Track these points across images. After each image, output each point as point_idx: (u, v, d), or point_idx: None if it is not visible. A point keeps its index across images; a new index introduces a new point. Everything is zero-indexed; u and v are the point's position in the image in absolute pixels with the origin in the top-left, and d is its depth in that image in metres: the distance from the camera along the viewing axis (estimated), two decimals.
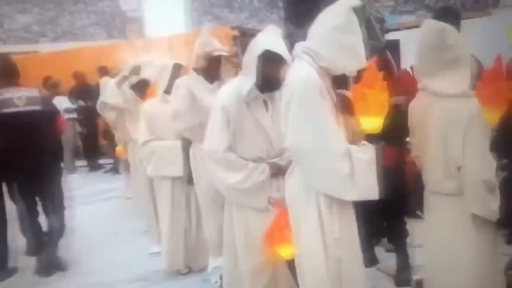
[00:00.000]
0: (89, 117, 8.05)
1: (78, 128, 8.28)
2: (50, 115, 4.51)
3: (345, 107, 2.51)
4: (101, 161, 9.25)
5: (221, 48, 3.72)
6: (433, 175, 2.64)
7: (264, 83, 2.82)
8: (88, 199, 7.14)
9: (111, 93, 5.39)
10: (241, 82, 2.87)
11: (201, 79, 3.72)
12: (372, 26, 3.76)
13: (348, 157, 2.29)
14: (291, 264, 2.90)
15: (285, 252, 2.86)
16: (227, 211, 3.08)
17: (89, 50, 10.91)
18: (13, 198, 4.63)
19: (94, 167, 9.07)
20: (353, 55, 2.32)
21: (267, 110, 2.93)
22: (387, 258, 3.97)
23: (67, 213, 4.69)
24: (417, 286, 3.54)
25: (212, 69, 3.70)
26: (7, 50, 28.56)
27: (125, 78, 4.97)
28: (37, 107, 4.35)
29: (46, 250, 4.55)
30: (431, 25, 2.58)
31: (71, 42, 32.02)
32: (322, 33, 2.36)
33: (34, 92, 4.43)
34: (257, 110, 2.90)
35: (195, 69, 3.77)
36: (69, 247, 4.77)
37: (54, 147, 4.57)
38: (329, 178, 2.33)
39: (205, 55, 3.65)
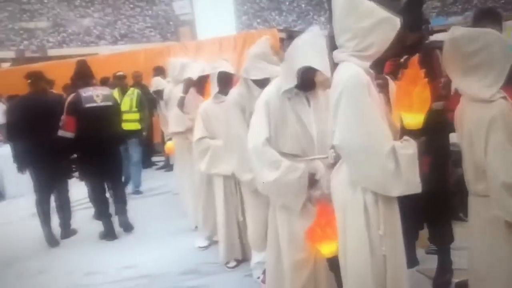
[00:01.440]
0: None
1: None
2: (117, 110, 5.61)
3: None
4: (154, 159, 9.39)
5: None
6: (468, 177, 2.60)
7: (302, 86, 2.84)
8: (140, 195, 7.31)
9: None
10: (281, 82, 2.87)
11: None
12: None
13: (393, 153, 2.30)
14: (331, 262, 2.89)
15: (325, 249, 2.84)
16: (272, 207, 3.09)
17: (144, 52, 11.14)
18: (83, 175, 5.52)
19: (147, 164, 9.14)
20: (387, 22, 2.32)
21: (309, 106, 2.91)
22: (428, 260, 3.86)
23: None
24: None
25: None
26: (70, 53, 29.51)
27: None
28: (109, 103, 5.34)
29: (116, 216, 5.63)
30: (452, 31, 2.54)
31: (128, 44, 32.88)
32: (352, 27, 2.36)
33: (107, 91, 5.50)
34: (299, 105, 2.89)
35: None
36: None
37: (120, 135, 5.68)
38: (376, 174, 2.33)
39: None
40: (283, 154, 2.88)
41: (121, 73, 7.40)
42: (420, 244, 3.96)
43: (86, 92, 5.18)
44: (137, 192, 7.33)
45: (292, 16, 39.07)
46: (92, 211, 6.00)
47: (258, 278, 3.87)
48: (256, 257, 3.91)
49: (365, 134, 2.30)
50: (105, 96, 5.31)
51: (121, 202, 5.67)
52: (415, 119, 2.40)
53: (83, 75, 5.39)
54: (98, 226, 5.55)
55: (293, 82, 2.79)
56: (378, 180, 2.34)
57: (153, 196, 7.25)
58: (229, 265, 4.30)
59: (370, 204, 2.39)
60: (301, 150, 2.91)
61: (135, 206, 6.66)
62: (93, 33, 36.92)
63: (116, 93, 7.06)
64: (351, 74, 2.33)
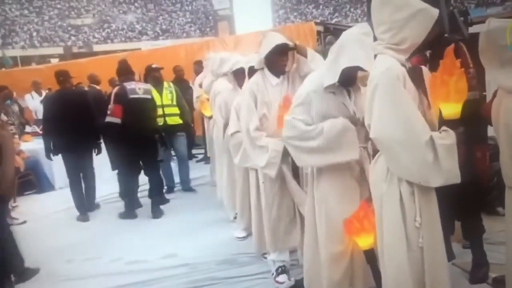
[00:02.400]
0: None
1: None
2: (155, 103, 6.18)
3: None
4: (194, 151, 9.47)
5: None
6: (505, 171, 2.54)
7: (345, 82, 2.84)
8: (178, 187, 7.35)
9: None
10: (324, 77, 2.86)
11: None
12: (455, 19, 3.58)
13: (431, 144, 2.25)
14: (368, 254, 2.86)
15: (362, 242, 2.83)
16: (310, 199, 3.09)
17: (185, 47, 11.24)
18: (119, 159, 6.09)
19: (188, 156, 9.15)
20: (422, 14, 2.28)
21: (350, 99, 2.92)
22: (465, 254, 3.77)
23: None
24: (494, 284, 3.35)
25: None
26: (114, 48, 30.05)
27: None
28: (148, 96, 5.98)
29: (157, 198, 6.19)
30: (488, 23, 2.47)
31: (169, 39, 33.31)
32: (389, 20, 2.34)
33: (147, 86, 6.11)
34: (341, 96, 2.90)
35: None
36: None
37: (156, 125, 6.21)
38: (415, 165, 2.29)
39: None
40: None
41: (155, 65, 7.50)
42: (456, 238, 3.87)
43: (130, 85, 5.82)
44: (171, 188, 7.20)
45: (329, 9, 38.63)
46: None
47: (272, 274, 3.90)
48: (272, 255, 3.91)
49: (402, 126, 2.26)
50: (146, 90, 5.95)
51: (156, 186, 6.19)
52: (453, 109, 2.35)
53: (124, 72, 6.00)
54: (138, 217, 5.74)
55: (335, 78, 2.77)
56: (417, 171, 2.29)
57: (194, 187, 7.31)
58: (265, 256, 4.31)
59: (406, 196, 2.35)
60: None
61: (175, 197, 6.79)
62: (135, 29, 37.59)
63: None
64: (387, 67, 2.30)
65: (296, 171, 3.63)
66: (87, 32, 34.71)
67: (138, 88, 5.84)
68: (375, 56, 2.48)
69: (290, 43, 3.66)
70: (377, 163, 2.50)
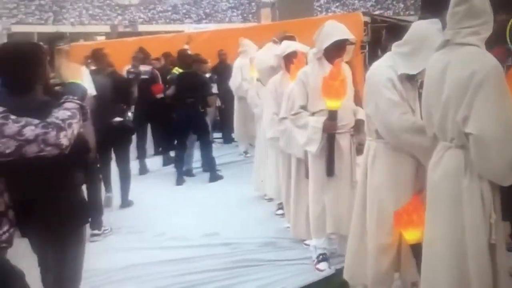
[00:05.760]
0: (227, 92, 8.23)
1: (218, 103, 8.47)
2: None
3: None
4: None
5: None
6: None
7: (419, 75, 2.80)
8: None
9: None
10: (399, 64, 2.78)
11: None
12: None
13: None
14: (415, 248, 2.78)
15: (410, 235, 2.76)
16: (361, 188, 3.02)
17: (226, 32, 11.16)
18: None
19: (228, 140, 9.10)
20: None
21: (419, 93, 2.84)
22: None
23: None
24: None
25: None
26: (158, 29, 30.23)
27: None
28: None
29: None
30: None
31: (211, 24, 33.29)
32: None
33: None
34: (409, 91, 2.83)
35: None
36: None
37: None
38: (503, 165, 2.18)
39: None
40: None
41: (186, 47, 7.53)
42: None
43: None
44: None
45: (371, 1, 37.82)
46: None
47: (313, 261, 3.85)
48: (314, 240, 3.84)
49: (504, 126, 2.15)
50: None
51: (207, 149, 6.85)
52: None
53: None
54: (184, 196, 5.91)
55: (416, 69, 2.70)
56: (501, 171, 2.19)
57: (234, 165, 7.36)
58: (306, 243, 4.24)
59: (487, 192, 2.25)
60: None
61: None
62: (180, 11, 37.72)
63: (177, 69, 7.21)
64: (493, 62, 2.18)
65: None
66: (133, 12, 35.02)
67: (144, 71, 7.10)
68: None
69: (351, 37, 3.57)
70: (444, 158, 2.37)
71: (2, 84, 2.13)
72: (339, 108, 3.48)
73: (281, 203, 4.99)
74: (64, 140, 1.68)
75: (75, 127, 1.74)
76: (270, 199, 5.40)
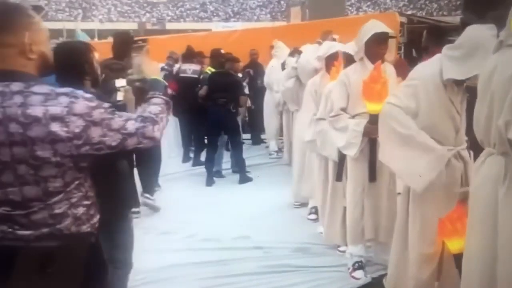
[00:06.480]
0: (257, 93, 8.25)
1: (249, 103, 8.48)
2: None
3: None
4: (264, 136, 9.42)
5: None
6: None
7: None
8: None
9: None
10: (446, 68, 2.73)
11: None
12: None
13: None
14: (458, 259, 2.74)
15: (453, 245, 2.72)
16: (404, 197, 2.99)
17: (254, 31, 11.17)
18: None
19: (256, 141, 9.11)
20: None
21: (464, 100, 2.82)
22: None
23: None
24: None
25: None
26: (186, 27, 30.44)
27: None
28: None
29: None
30: None
31: (239, 22, 33.39)
32: None
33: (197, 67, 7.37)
34: (454, 96, 2.79)
35: None
36: None
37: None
38: None
39: None
40: None
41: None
42: None
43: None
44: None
45: (404, 1, 37.36)
46: None
47: (349, 269, 3.80)
48: (350, 248, 3.81)
49: None
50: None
51: (237, 149, 6.85)
52: None
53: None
54: (214, 197, 5.95)
55: (465, 75, 2.65)
56: None
57: (264, 167, 7.39)
58: (340, 249, 4.21)
59: None
60: (444, 140, 2.81)
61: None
62: (208, 9, 37.95)
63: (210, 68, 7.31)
64: None
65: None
66: (161, 10, 35.42)
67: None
68: None
69: (391, 31, 3.54)
70: (485, 164, 2.31)
71: (56, 79, 2.35)
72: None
73: (313, 207, 4.99)
74: (158, 133, 1.78)
75: (165, 121, 1.87)
76: (301, 205, 5.40)
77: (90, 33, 23.12)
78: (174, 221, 5.19)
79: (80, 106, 1.61)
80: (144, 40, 5.24)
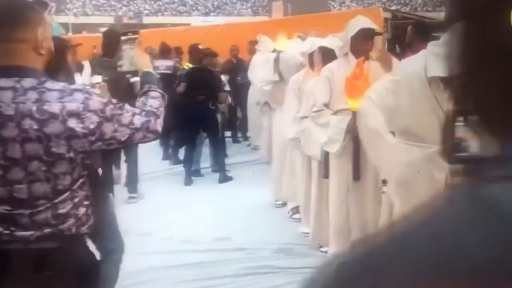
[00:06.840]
0: (238, 90, 8.14)
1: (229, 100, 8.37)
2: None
3: None
4: (241, 135, 9.27)
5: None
6: None
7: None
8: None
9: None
10: (431, 65, 2.66)
11: None
12: None
13: None
14: None
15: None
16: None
17: (236, 26, 11.07)
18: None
19: (236, 139, 9.01)
20: None
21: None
22: None
23: None
24: None
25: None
26: (164, 21, 30.16)
27: None
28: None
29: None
30: None
31: (220, 16, 33.24)
32: None
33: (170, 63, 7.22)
34: (439, 94, 2.70)
35: None
36: None
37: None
38: None
39: None
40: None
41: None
42: None
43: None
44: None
45: None
46: None
47: None
48: (334, 247, 3.76)
49: None
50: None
51: (216, 148, 6.74)
52: None
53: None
54: (193, 197, 5.78)
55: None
56: None
57: (245, 166, 7.31)
58: (322, 250, 4.16)
59: None
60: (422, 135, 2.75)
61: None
62: (187, 3, 37.62)
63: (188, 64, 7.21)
64: None
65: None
66: (138, 3, 34.96)
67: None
68: None
69: (377, 28, 3.50)
70: None
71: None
72: None
73: (296, 207, 4.92)
74: (159, 126, 1.84)
75: (163, 114, 1.93)
76: (282, 204, 5.33)
77: (63, 27, 22.67)
78: (151, 222, 5.05)
79: (95, 102, 1.65)
80: (135, 32, 5.02)
